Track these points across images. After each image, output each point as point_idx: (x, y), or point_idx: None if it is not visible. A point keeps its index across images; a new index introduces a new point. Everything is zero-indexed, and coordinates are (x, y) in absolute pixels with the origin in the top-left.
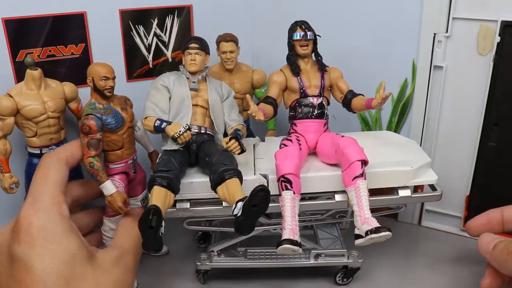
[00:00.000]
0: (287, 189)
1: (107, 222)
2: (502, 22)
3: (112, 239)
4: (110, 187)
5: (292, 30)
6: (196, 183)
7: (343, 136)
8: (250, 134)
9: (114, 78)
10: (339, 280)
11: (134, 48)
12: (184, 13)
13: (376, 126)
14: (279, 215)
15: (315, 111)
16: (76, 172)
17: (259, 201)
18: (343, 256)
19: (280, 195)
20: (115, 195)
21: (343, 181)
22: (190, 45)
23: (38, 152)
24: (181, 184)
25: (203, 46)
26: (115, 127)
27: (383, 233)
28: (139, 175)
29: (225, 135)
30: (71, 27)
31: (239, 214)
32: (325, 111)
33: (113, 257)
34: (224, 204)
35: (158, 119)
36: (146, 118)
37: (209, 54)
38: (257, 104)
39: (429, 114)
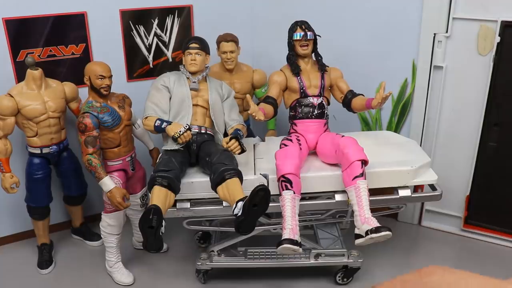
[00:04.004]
0: (287, 189)
1: (105, 218)
2: (502, 22)
3: (110, 235)
4: (109, 183)
5: (292, 30)
6: (196, 182)
7: (343, 136)
8: (250, 134)
9: (110, 76)
10: (339, 279)
11: (135, 48)
12: (185, 13)
13: (376, 126)
14: (279, 215)
15: (315, 111)
16: (75, 170)
17: (259, 200)
18: (343, 256)
19: (280, 195)
20: (114, 190)
21: (343, 181)
22: (191, 45)
23: (39, 152)
24: (181, 184)
25: (203, 46)
26: (111, 125)
27: (383, 233)
28: (139, 172)
29: (225, 135)
30: (71, 27)
31: (239, 214)
32: (325, 111)
33: None
34: (224, 203)
35: (159, 119)
36: (146, 118)
37: (209, 54)
38: (257, 104)
39: (429, 114)
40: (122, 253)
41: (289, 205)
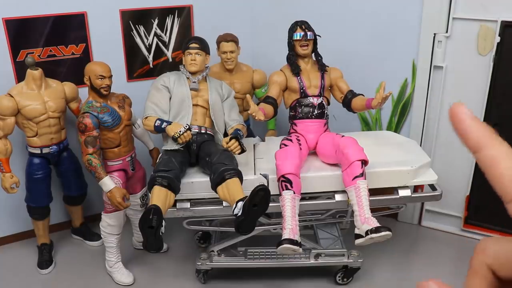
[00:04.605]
0: (287, 189)
1: (105, 218)
2: (502, 22)
3: (110, 235)
4: (109, 183)
5: (292, 30)
6: (196, 183)
7: (343, 136)
8: (250, 134)
9: (110, 77)
10: (339, 280)
11: (135, 48)
12: (185, 13)
13: (376, 126)
14: (279, 215)
15: (315, 111)
16: (75, 170)
17: (259, 201)
18: (343, 256)
19: (280, 195)
20: (114, 190)
21: (343, 181)
22: (191, 45)
23: (39, 152)
24: (181, 184)
25: (203, 46)
26: (111, 125)
27: (383, 233)
28: (139, 172)
29: (225, 135)
30: (71, 27)
31: (239, 214)
32: (325, 111)
33: None
34: (224, 203)
35: (159, 119)
36: (146, 118)
37: (209, 54)
38: (257, 104)
39: (429, 114)
40: (122, 253)
41: (289, 205)
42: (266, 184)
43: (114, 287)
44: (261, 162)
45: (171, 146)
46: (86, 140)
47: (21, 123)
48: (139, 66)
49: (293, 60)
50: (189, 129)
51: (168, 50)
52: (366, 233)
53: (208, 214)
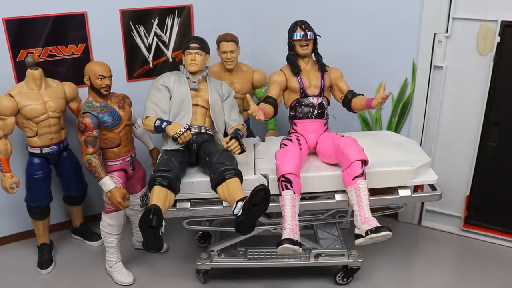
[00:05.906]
0: (287, 188)
1: (105, 218)
2: (502, 22)
3: (110, 235)
4: (109, 183)
5: (292, 30)
6: (196, 182)
7: (343, 136)
8: (250, 134)
9: (110, 76)
10: (339, 279)
11: (135, 48)
12: (185, 13)
13: (376, 126)
14: (279, 214)
15: (315, 111)
16: (75, 170)
17: (260, 200)
18: (343, 256)
19: (280, 194)
20: (113, 190)
21: (343, 180)
22: (191, 45)
23: (39, 151)
24: (181, 184)
25: (203, 46)
26: (111, 125)
27: (383, 233)
28: (139, 172)
29: (225, 134)
30: (71, 27)
31: (239, 214)
32: (325, 111)
33: None
34: (224, 203)
35: (159, 119)
36: (146, 118)
37: (209, 54)
38: (257, 104)
39: (429, 114)
40: (122, 253)
41: (289, 205)
42: (266, 184)
43: (114, 287)
44: (261, 162)
45: (171, 146)
46: (86, 140)
47: (21, 123)
48: (139, 66)
49: (293, 60)
50: (189, 129)
51: (168, 50)
52: (366, 233)
53: (208, 214)
